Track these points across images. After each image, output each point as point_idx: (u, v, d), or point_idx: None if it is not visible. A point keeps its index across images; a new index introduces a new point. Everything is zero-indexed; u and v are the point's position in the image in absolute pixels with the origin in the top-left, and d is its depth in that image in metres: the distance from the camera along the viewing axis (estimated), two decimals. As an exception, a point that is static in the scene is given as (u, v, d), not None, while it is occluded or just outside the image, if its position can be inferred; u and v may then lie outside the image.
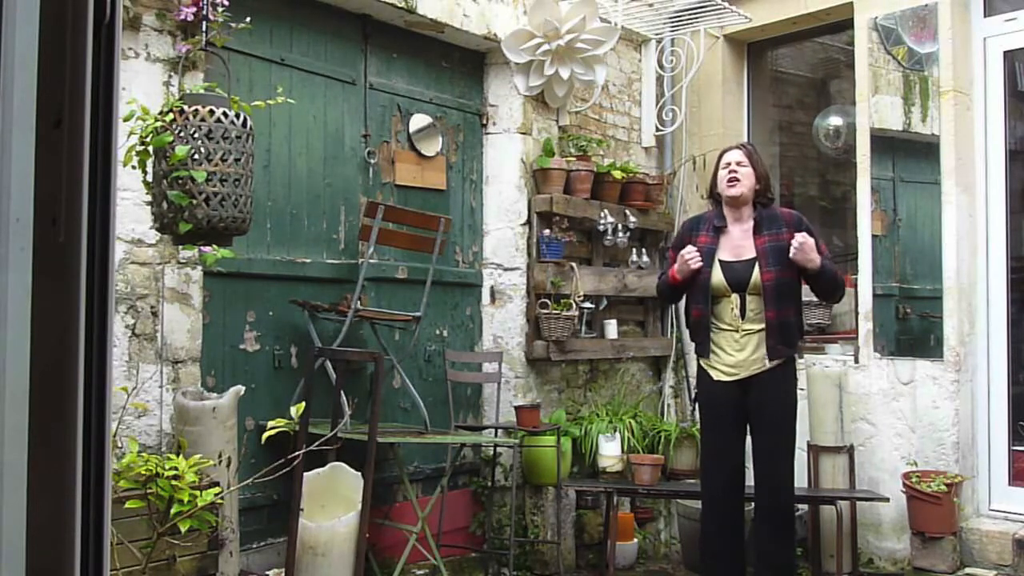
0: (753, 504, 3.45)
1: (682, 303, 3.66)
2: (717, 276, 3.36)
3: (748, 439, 3.44)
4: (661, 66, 4.96)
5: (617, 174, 4.46)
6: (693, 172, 5.04)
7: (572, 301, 4.22)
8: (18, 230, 0.69)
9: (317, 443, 2.63)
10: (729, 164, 3.43)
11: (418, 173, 4.09)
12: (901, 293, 4.32)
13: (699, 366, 3.51)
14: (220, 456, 2.77)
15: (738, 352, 3.34)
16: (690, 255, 3.34)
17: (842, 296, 3.59)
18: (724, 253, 3.40)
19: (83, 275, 0.75)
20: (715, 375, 3.39)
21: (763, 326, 3.30)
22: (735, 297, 3.34)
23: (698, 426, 3.68)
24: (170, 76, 3.02)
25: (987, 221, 4.14)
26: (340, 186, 3.78)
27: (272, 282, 3.49)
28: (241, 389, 2.98)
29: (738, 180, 3.38)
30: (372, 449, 3.09)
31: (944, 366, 4.04)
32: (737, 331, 3.34)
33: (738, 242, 3.40)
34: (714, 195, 3.53)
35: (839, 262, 5.10)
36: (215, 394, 3.04)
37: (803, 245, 3.24)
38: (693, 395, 3.60)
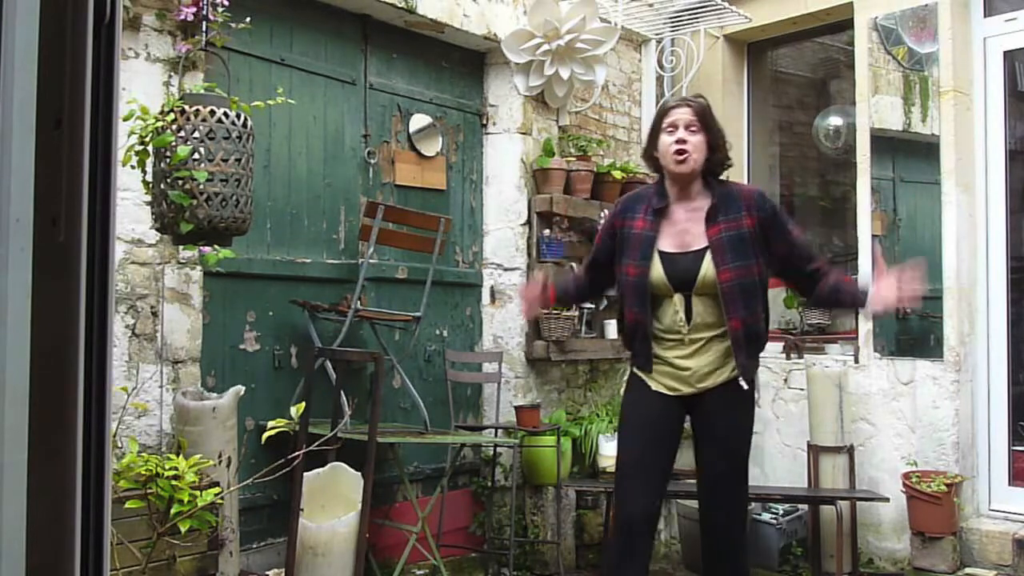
0: (703, 539, 2.80)
1: None
2: (656, 272, 2.66)
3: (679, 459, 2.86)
4: (661, 66, 4.96)
5: (617, 174, 4.46)
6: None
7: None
8: (18, 230, 0.69)
9: (317, 443, 2.63)
10: (676, 127, 2.67)
11: (418, 173, 4.09)
12: (901, 293, 4.31)
13: (632, 371, 2.83)
14: (220, 456, 2.77)
15: (687, 362, 2.68)
16: (528, 297, 2.84)
17: None
18: (665, 241, 2.69)
19: (83, 275, 0.75)
20: (654, 386, 2.73)
21: (713, 334, 2.66)
22: (678, 298, 2.67)
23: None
24: (170, 76, 3.02)
25: (987, 221, 4.14)
26: (340, 186, 3.78)
27: (272, 282, 3.49)
28: (241, 389, 2.99)
29: (687, 152, 2.64)
30: (372, 449, 3.09)
31: (944, 366, 4.04)
32: (683, 341, 2.68)
33: (684, 227, 2.70)
34: (652, 161, 2.80)
35: (839, 262, 5.12)
36: (215, 394, 3.04)
37: (886, 296, 2.57)
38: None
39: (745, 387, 2.66)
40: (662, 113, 2.75)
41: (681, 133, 2.65)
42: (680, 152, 2.64)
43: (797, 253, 2.70)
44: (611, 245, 2.79)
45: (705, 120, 2.69)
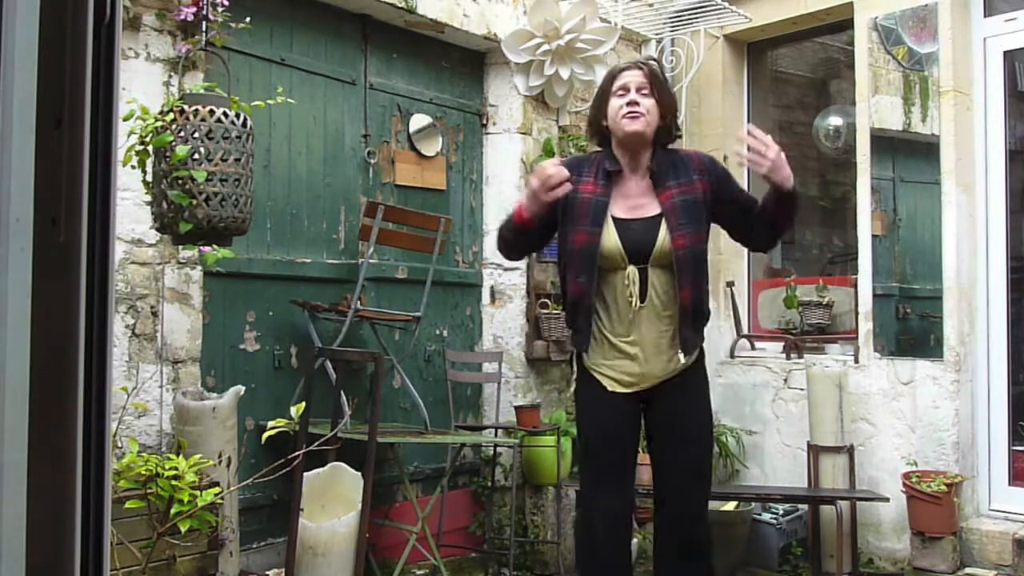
0: (661, 541, 2.63)
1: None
2: (610, 240, 2.47)
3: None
4: (661, 66, 4.95)
5: (617, 174, 4.46)
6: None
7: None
8: (18, 230, 0.69)
9: (317, 443, 2.63)
10: (627, 90, 2.52)
11: (418, 173, 4.09)
12: (901, 293, 4.32)
13: (580, 366, 2.61)
14: (220, 456, 2.77)
15: (637, 348, 2.49)
16: (544, 179, 2.34)
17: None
18: (618, 208, 2.51)
19: (83, 275, 0.75)
20: (608, 384, 2.53)
21: (665, 313, 2.48)
22: (632, 271, 2.46)
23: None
24: (170, 76, 3.02)
25: (987, 221, 4.14)
26: (340, 186, 3.78)
27: (272, 282, 3.49)
28: (241, 389, 2.99)
29: (640, 113, 2.49)
30: (372, 449, 3.09)
31: (944, 366, 4.04)
32: (633, 318, 2.47)
33: (636, 195, 2.54)
34: (600, 130, 2.62)
35: (839, 262, 5.12)
36: (215, 394, 3.04)
37: (778, 155, 2.39)
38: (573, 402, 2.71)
39: (682, 355, 2.49)
40: (611, 76, 2.59)
41: (633, 95, 2.51)
42: (633, 113, 2.48)
43: (746, 204, 2.60)
44: (554, 213, 2.53)
45: (657, 84, 2.56)
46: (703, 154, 2.69)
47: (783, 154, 2.43)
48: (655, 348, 2.51)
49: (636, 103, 2.50)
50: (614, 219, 2.50)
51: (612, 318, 2.53)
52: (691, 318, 2.50)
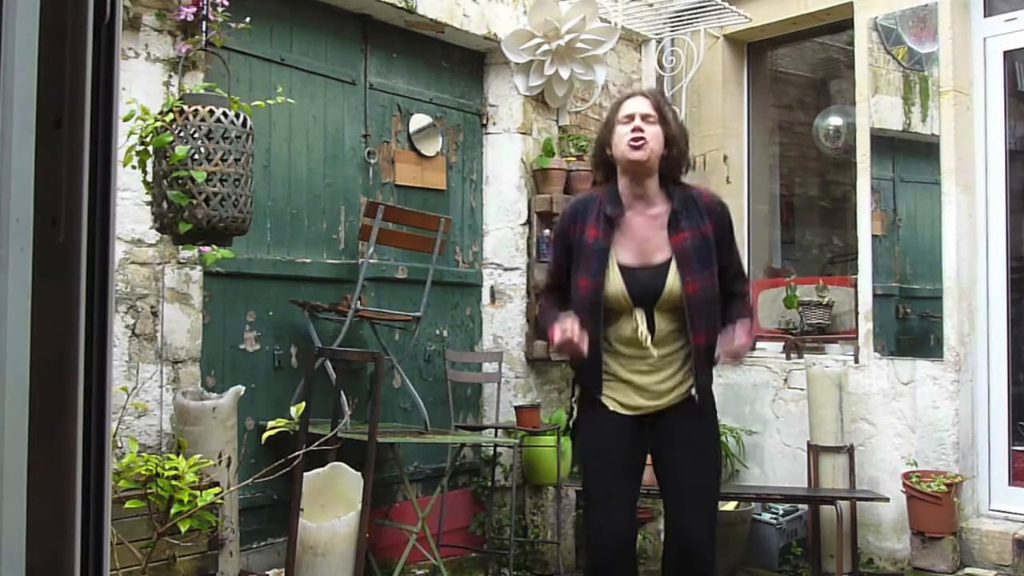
0: (669, 556, 2.61)
1: None
2: (615, 286, 2.47)
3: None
4: (661, 66, 4.96)
5: (617, 174, 4.46)
6: (693, 172, 5.03)
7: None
8: (18, 230, 0.69)
9: (317, 443, 2.63)
10: (632, 117, 2.50)
11: (418, 173, 4.09)
12: (901, 293, 4.32)
13: (584, 391, 2.61)
14: (220, 456, 2.77)
15: (645, 379, 2.49)
16: (570, 333, 2.36)
17: None
18: (624, 253, 2.49)
19: (83, 275, 0.75)
20: (611, 405, 2.52)
21: (678, 346, 2.49)
22: (638, 314, 2.47)
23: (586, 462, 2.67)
24: (170, 76, 3.02)
25: (987, 221, 4.14)
26: (340, 186, 3.78)
27: (272, 282, 3.49)
28: (241, 389, 2.99)
29: (644, 140, 2.46)
30: (372, 449, 3.09)
31: (944, 366, 4.04)
32: (642, 357, 2.48)
33: (643, 236, 2.51)
34: (605, 160, 2.60)
35: (839, 262, 5.12)
36: (215, 394, 3.04)
37: (738, 349, 2.45)
38: (571, 423, 2.72)
39: (695, 398, 2.48)
40: (616, 105, 2.59)
41: (637, 122, 2.49)
42: (637, 139, 2.46)
43: (731, 271, 2.59)
44: (570, 256, 2.57)
45: (662, 111, 2.53)
46: (715, 196, 2.64)
47: (741, 350, 2.49)
48: (661, 378, 2.50)
49: (640, 129, 2.47)
50: (621, 267, 2.48)
51: (618, 358, 2.51)
52: (705, 359, 2.49)
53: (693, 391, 2.49)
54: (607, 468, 2.53)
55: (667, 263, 2.47)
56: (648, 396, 2.50)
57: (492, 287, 4.36)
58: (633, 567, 2.57)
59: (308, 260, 3.63)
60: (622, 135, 2.50)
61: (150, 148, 2.44)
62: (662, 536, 4.29)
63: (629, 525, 2.54)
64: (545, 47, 4.11)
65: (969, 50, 4.17)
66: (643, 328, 2.46)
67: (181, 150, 2.36)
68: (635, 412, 2.52)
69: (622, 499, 2.52)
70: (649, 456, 2.64)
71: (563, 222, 2.64)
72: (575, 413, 2.69)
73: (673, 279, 2.46)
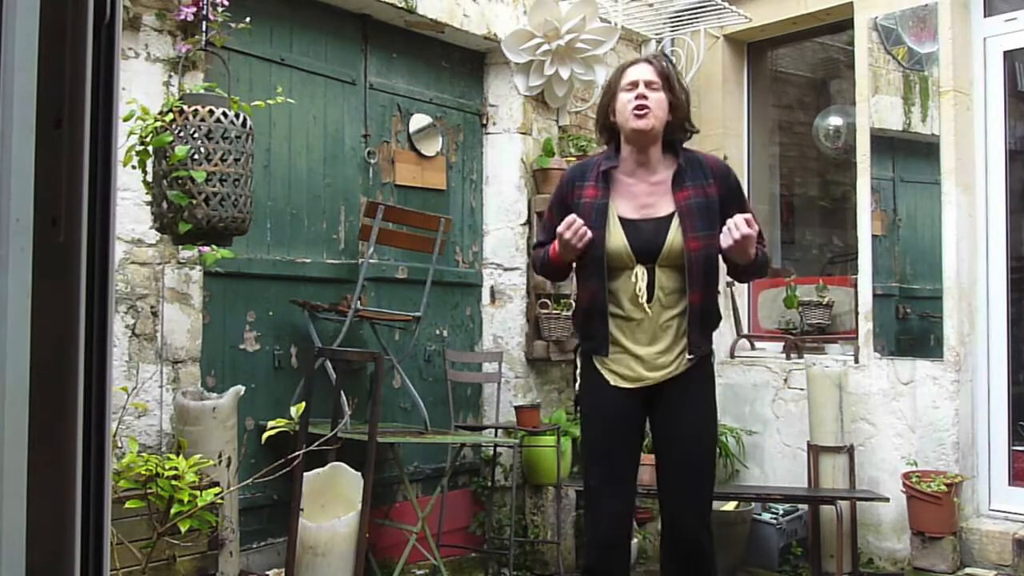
0: (661, 545, 2.66)
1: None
2: (616, 240, 2.44)
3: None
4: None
5: (617, 174, 4.46)
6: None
7: (572, 301, 4.22)
8: (18, 230, 0.69)
9: (317, 443, 2.63)
10: (636, 85, 2.47)
11: (418, 173, 4.09)
12: (901, 293, 4.32)
13: (585, 363, 2.61)
14: (220, 456, 2.77)
15: (646, 348, 2.47)
16: (572, 229, 2.38)
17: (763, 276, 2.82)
18: (625, 207, 2.48)
19: (83, 275, 0.75)
20: (612, 379, 2.51)
21: (679, 310, 2.46)
22: (640, 270, 2.44)
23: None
24: (170, 76, 3.02)
25: (987, 221, 4.14)
26: (340, 186, 3.78)
27: (272, 282, 3.49)
28: (241, 389, 2.99)
29: (648, 108, 2.44)
30: (372, 449, 3.09)
31: (944, 366, 4.04)
32: (643, 319, 2.45)
33: (645, 193, 2.50)
34: (608, 125, 2.58)
35: (839, 262, 5.12)
36: (215, 394, 3.04)
37: (748, 235, 2.35)
38: (575, 401, 2.84)
39: (689, 357, 2.45)
40: (620, 71, 2.55)
41: (641, 89, 2.45)
42: (641, 108, 2.43)
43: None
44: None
45: (667, 78, 2.50)
46: (721, 161, 2.63)
47: (752, 237, 2.39)
48: (661, 347, 2.47)
49: (644, 96, 2.44)
50: (621, 220, 2.47)
51: (619, 318, 2.50)
52: (700, 320, 2.47)
53: (684, 351, 2.46)
54: (612, 444, 2.54)
55: (670, 217, 2.45)
56: (647, 367, 2.48)
57: (492, 287, 4.36)
58: (629, 547, 2.58)
59: (308, 260, 3.63)
60: (625, 103, 2.47)
61: (150, 148, 2.44)
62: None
63: (624, 498, 2.55)
64: (545, 47, 4.11)
65: (969, 50, 4.17)
66: (642, 284, 2.44)
67: (181, 150, 2.36)
68: (635, 385, 2.50)
69: (617, 470, 2.53)
70: (649, 455, 2.65)
71: (562, 185, 2.63)
72: (579, 386, 2.68)
73: (675, 234, 2.44)
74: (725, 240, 2.39)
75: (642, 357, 2.49)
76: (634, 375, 2.50)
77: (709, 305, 2.49)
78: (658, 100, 2.46)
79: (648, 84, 2.47)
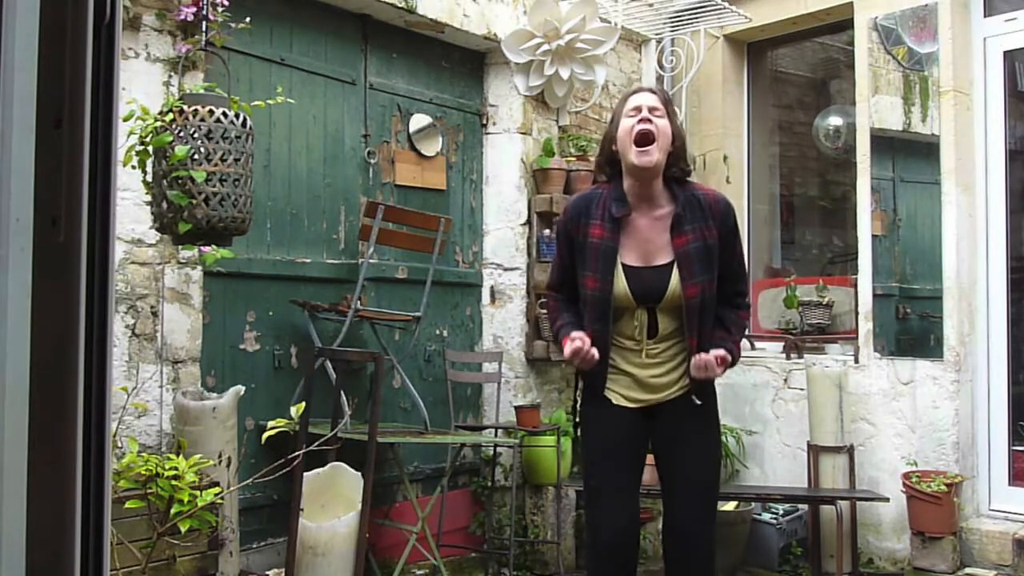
0: (668, 552, 2.62)
1: None
2: (620, 286, 2.47)
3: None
4: (661, 66, 4.96)
5: (617, 174, 4.45)
6: (693, 172, 5.04)
7: None
8: (18, 230, 0.69)
9: (317, 443, 2.63)
10: (639, 109, 2.46)
11: (418, 173, 4.09)
12: (901, 293, 4.32)
13: (586, 384, 2.62)
14: (220, 456, 2.77)
15: (643, 372, 2.51)
16: (580, 356, 2.40)
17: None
18: (628, 254, 2.49)
19: (83, 275, 0.75)
20: (615, 399, 2.54)
21: (673, 342, 2.51)
22: (641, 313, 2.49)
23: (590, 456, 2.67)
24: (170, 76, 3.02)
25: (987, 221, 4.14)
26: (340, 186, 3.78)
27: (272, 282, 3.49)
28: (241, 389, 2.99)
29: (653, 139, 2.42)
30: (372, 449, 3.09)
31: (944, 366, 4.04)
32: (642, 352, 2.51)
33: (646, 237, 2.50)
34: (610, 157, 2.56)
35: (839, 262, 5.12)
36: (215, 394, 3.04)
37: (708, 364, 2.41)
38: (575, 412, 2.75)
39: (698, 403, 2.50)
40: (623, 100, 2.56)
41: (645, 114, 2.45)
42: (644, 134, 2.42)
43: (732, 272, 2.57)
44: (573, 254, 2.57)
45: (668, 106, 2.51)
46: (721, 198, 2.59)
47: (712, 370, 2.44)
48: (660, 378, 2.52)
49: (648, 120, 2.44)
50: (625, 267, 2.48)
51: (622, 353, 2.53)
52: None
53: (683, 379, 2.50)
54: (609, 459, 2.54)
55: (670, 265, 2.48)
56: (647, 390, 2.52)
57: (492, 287, 4.36)
58: (633, 558, 2.57)
59: (308, 260, 3.63)
60: (628, 127, 2.46)
61: (150, 148, 2.44)
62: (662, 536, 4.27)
63: (631, 516, 2.55)
64: (545, 47, 4.11)
65: (969, 50, 4.17)
66: (644, 330, 2.49)
67: (181, 150, 2.36)
68: (637, 404, 2.53)
69: (624, 490, 2.54)
70: (651, 455, 2.65)
71: (566, 220, 2.61)
72: (579, 404, 2.70)
73: (675, 282, 2.47)
74: (694, 372, 2.44)
75: (642, 381, 2.52)
76: (634, 396, 2.54)
77: (706, 346, 2.49)
78: (662, 126, 2.46)
79: (651, 110, 2.47)
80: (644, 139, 2.44)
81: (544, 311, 4.18)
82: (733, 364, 2.54)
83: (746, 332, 2.64)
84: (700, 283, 2.45)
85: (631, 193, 2.52)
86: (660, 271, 2.48)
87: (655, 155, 2.43)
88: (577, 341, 2.41)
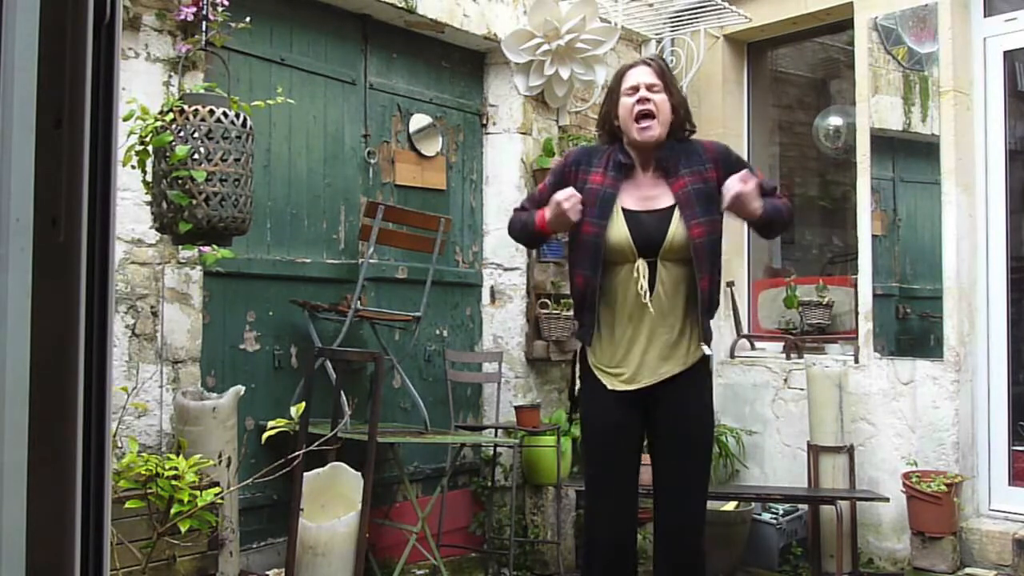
0: (658, 544, 2.59)
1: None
2: (618, 232, 2.40)
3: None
4: (666, 63, 4.95)
5: (617, 174, 4.45)
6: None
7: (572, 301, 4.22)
8: (18, 230, 0.69)
9: (317, 443, 2.63)
10: (637, 88, 2.45)
11: (418, 173, 4.09)
12: (901, 293, 4.32)
13: (584, 362, 2.55)
14: (220, 456, 2.77)
15: (641, 347, 2.43)
16: (568, 199, 2.36)
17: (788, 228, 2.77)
18: (629, 199, 2.45)
19: (83, 275, 0.75)
20: (609, 383, 2.47)
21: (680, 303, 2.42)
22: (641, 264, 2.40)
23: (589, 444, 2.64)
24: (170, 76, 3.02)
25: (987, 221, 4.14)
26: (340, 186, 3.78)
27: (272, 282, 3.49)
28: (241, 389, 2.99)
29: (653, 116, 2.42)
30: (372, 449, 3.09)
31: (944, 366, 4.04)
32: (643, 316, 2.41)
33: (647, 193, 2.47)
34: (611, 129, 2.55)
35: (839, 262, 5.12)
36: (215, 394, 3.04)
37: (743, 192, 2.31)
38: (572, 401, 2.72)
39: (706, 351, 2.43)
40: (619, 75, 2.52)
41: (643, 93, 2.43)
42: (645, 114, 2.41)
43: (766, 192, 2.48)
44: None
45: (666, 78, 2.48)
46: (718, 143, 2.60)
47: (750, 192, 2.36)
48: (660, 343, 2.43)
49: (647, 100, 2.42)
50: (624, 211, 2.43)
51: (617, 312, 2.46)
52: (708, 306, 2.45)
53: (686, 348, 2.43)
54: (611, 450, 2.51)
55: (671, 209, 2.43)
56: (646, 366, 2.44)
57: (492, 287, 4.36)
58: (631, 550, 2.54)
59: (308, 260, 3.63)
60: (628, 107, 2.44)
61: (150, 148, 2.44)
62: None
63: (629, 507, 2.53)
64: (545, 47, 4.11)
65: (969, 50, 4.17)
66: (643, 282, 2.40)
67: (181, 150, 2.36)
68: (631, 386, 2.46)
69: (621, 479, 2.51)
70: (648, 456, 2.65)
71: (564, 164, 2.58)
72: (577, 389, 2.67)
73: (676, 226, 2.41)
74: (729, 203, 2.36)
75: (639, 352, 2.44)
76: (630, 374, 2.46)
77: (715, 291, 2.47)
78: (661, 101, 2.44)
79: (650, 87, 2.45)
80: (644, 118, 2.44)
81: (543, 311, 4.19)
82: (778, 215, 2.46)
83: (785, 213, 2.54)
84: (703, 223, 2.39)
85: (633, 156, 2.51)
86: (661, 215, 2.42)
87: (656, 129, 2.43)
88: (564, 193, 2.36)
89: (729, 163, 2.49)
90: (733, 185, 2.33)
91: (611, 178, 2.46)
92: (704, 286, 2.41)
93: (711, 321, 2.51)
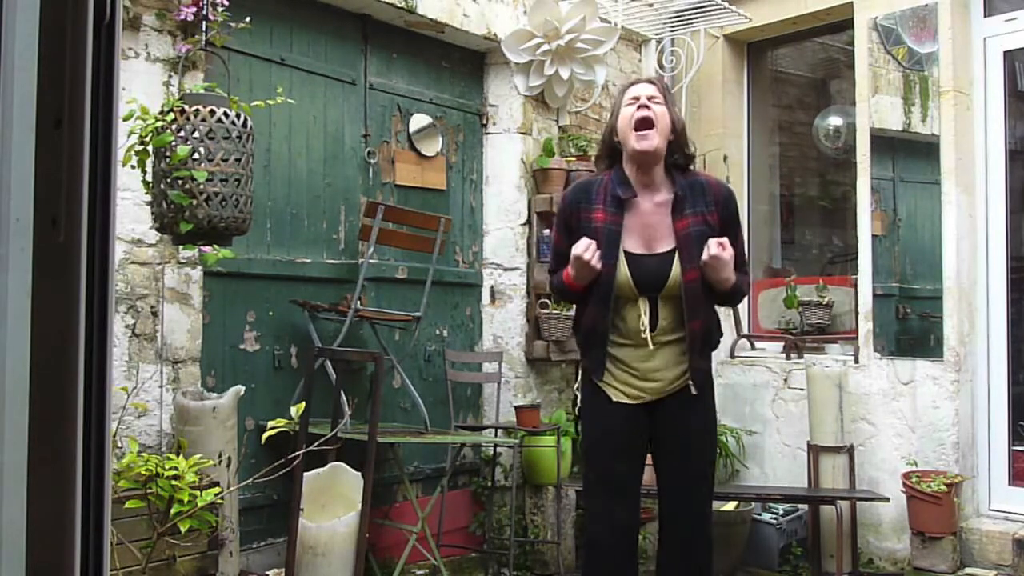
0: (658, 559, 2.63)
1: None
2: (622, 274, 2.47)
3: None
4: (661, 66, 4.96)
5: (617, 174, 4.45)
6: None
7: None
8: (18, 230, 0.69)
9: (317, 443, 2.63)
10: (638, 98, 2.50)
11: (418, 173, 4.09)
12: (901, 293, 4.32)
13: (586, 379, 2.63)
14: (220, 456, 2.77)
15: (644, 365, 2.51)
16: (587, 252, 2.40)
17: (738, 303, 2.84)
18: (629, 240, 2.49)
19: (83, 275, 0.75)
20: (614, 395, 2.54)
21: (673, 337, 2.50)
22: (643, 302, 2.48)
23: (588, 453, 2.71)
24: (170, 76, 3.02)
25: (987, 221, 4.14)
26: (340, 186, 3.78)
27: (272, 282, 3.49)
28: (241, 389, 2.99)
29: (653, 124, 2.46)
30: (372, 449, 3.09)
31: (944, 366, 4.04)
32: (644, 344, 2.49)
33: (648, 222, 2.50)
34: (611, 148, 2.59)
35: (839, 262, 5.12)
36: (215, 394, 3.04)
37: (720, 257, 2.39)
38: (576, 414, 2.78)
39: (695, 392, 2.50)
40: (622, 91, 2.60)
41: (644, 101, 2.49)
42: (644, 121, 2.45)
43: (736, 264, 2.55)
44: (573, 242, 2.51)
45: (666, 95, 2.55)
46: (723, 185, 2.65)
47: (724, 260, 2.42)
48: (663, 371, 2.52)
49: (647, 107, 2.47)
50: (627, 254, 2.48)
51: (622, 344, 2.53)
52: (700, 346, 2.51)
53: (690, 382, 2.50)
54: (613, 455, 2.55)
55: (672, 252, 2.48)
56: (647, 383, 2.52)
57: (492, 287, 4.36)
58: (633, 556, 2.57)
59: (308, 260, 3.63)
60: (628, 116, 2.49)
61: (150, 148, 2.44)
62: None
63: (630, 513, 2.56)
64: (545, 47, 4.11)
65: (969, 50, 4.17)
66: (645, 320, 2.48)
67: (182, 150, 2.36)
68: (635, 400, 2.54)
69: (623, 486, 2.55)
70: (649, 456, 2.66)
71: (565, 208, 2.61)
72: (579, 399, 2.71)
73: (677, 268, 2.47)
74: (706, 261, 2.43)
75: (642, 375, 2.53)
76: (634, 390, 2.55)
77: (710, 326, 2.54)
78: (661, 113, 2.49)
79: (650, 98, 2.50)
80: (643, 124, 2.47)
81: (543, 311, 4.19)
82: (739, 293, 2.55)
83: (744, 293, 2.65)
84: (699, 268, 2.45)
85: (633, 179, 2.54)
86: (662, 259, 2.48)
87: (655, 139, 2.46)
88: (581, 246, 2.40)
89: (728, 212, 2.56)
90: (713, 248, 2.40)
91: (612, 214, 2.50)
92: (696, 326, 2.48)
93: (711, 354, 2.60)
